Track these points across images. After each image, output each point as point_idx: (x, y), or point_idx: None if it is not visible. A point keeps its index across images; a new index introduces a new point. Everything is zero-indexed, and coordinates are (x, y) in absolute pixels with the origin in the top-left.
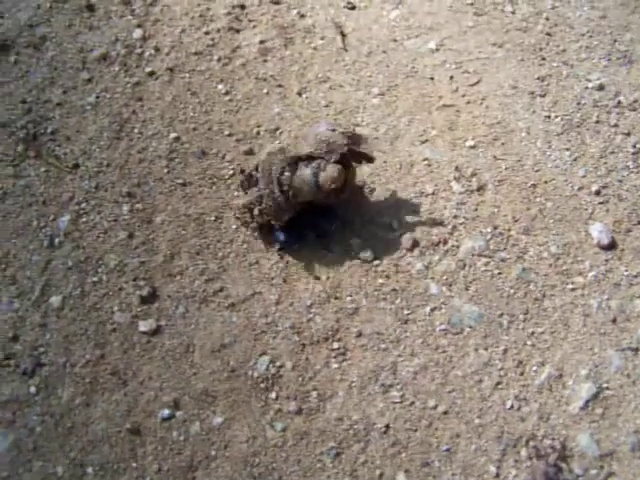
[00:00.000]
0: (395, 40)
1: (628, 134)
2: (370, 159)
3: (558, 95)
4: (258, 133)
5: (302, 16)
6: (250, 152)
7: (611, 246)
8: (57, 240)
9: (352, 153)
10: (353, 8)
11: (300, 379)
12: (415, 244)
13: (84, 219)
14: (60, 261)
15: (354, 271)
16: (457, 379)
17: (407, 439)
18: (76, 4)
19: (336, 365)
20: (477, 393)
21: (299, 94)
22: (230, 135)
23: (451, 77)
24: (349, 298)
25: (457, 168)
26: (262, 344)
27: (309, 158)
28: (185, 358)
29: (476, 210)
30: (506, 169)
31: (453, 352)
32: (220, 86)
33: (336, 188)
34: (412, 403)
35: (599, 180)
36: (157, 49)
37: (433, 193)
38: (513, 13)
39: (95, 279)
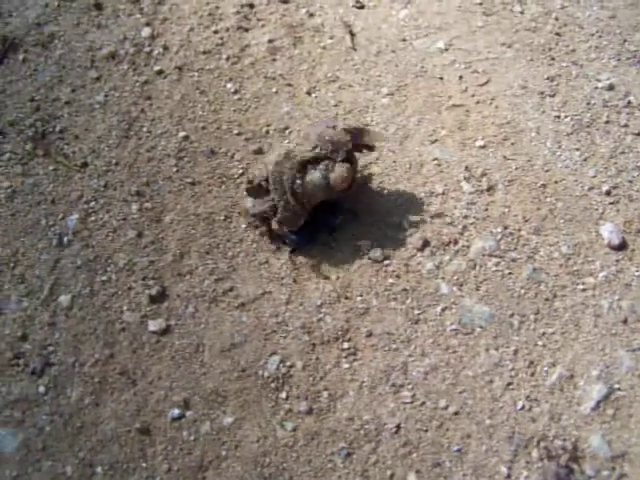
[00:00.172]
0: (404, 40)
1: (638, 134)
2: (371, 148)
3: (568, 95)
4: (267, 132)
5: (311, 15)
6: (259, 151)
7: (622, 246)
8: (66, 239)
9: (356, 147)
10: (362, 7)
11: (311, 379)
12: (425, 244)
13: (93, 218)
14: (69, 260)
15: (364, 271)
16: (468, 379)
17: (418, 439)
18: (84, 2)
19: (347, 365)
20: (488, 393)
21: (308, 93)
22: (239, 134)
23: (460, 77)
24: (359, 298)
25: (467, 168)
26: (272, 344)
27: (316, 160)
28: (195, 358)
29: (486, 210)
30: (516, 169)
31: (464, 352)
32: (229, 85)
33: (349, 186)
34: (423, 403)
35: (609, 180)
36: (166, 48)
37: (443, 193)
38: (522, 13)
39: (104, 278)
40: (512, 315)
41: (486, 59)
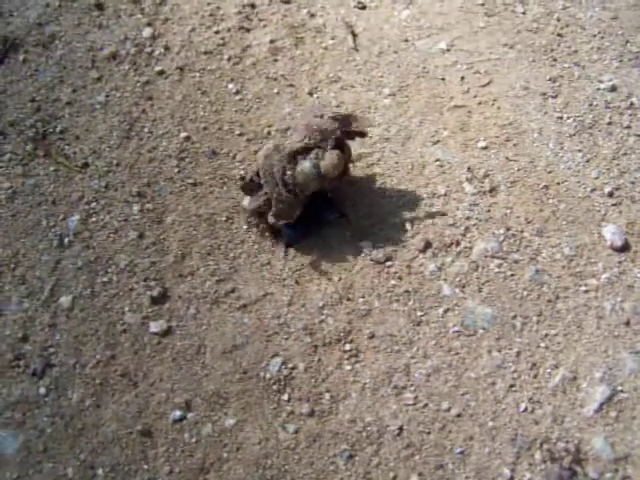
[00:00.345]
0: (406, 40)
1: None
2: (363, 134)
3: (570, 96)
4: (269, 133)
5: (312, 16)
6: None
7: (624, 248)
8: (67, 240)
9: (345, 134)
10: (364, 8)
11: (312, 381)
12: (427, 245)
13: (94, 219)
14: (70, 261)
15: (366, 272)
16: (470, 381)
17: (420, 441)
18: (85, 3)
19: (349, 367)
20: (491, 395)
21: (310, 94)
22: (241, 135)
23: (462, 78)
24: (361, 299)
25: (469, 169)
26: (274, 345)
27: (305, 150)
28: (196, 359)
29: (489, 211)
30: (518, 170)
31: (466, 354)
32: (231, 85)
33: (341, 174)
34: (425, 405)
35: (612, 182)
36: (167, 48)
37: (445, 194)
38: (524, 14)
39: (105, 279)
40: (515, 317)
41: (488, 60)
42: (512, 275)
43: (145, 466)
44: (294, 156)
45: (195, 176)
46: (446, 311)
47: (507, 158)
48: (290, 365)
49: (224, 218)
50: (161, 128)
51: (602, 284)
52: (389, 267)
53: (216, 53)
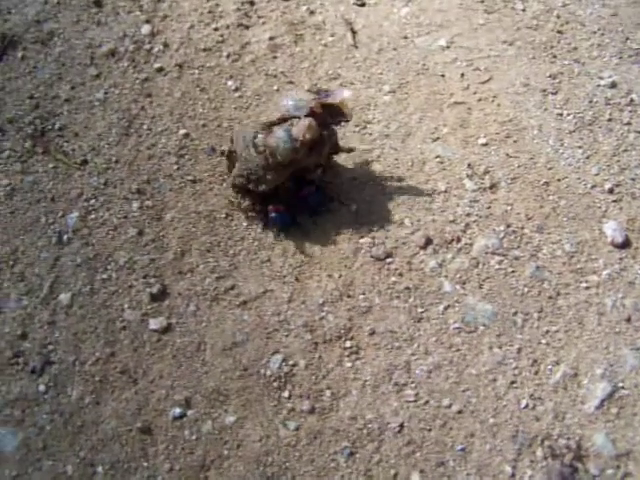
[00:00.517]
0: (406, 37)
1: None
2: (345, 115)
3: (570, 93)
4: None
5: (312, 12)
6: None
7: (625, 244)
8: (66, 237)
9: (324, 108)
10: (363, 5)
11: (313, 378)
12: (428, 242)
13: (93, 216)
14: (69, 258)
15: (367, 269)
16: (471, 378)
17: (421, 438)
18: (83, 0)
19: (349, 364)
20: (492, 392)
21: (310, 91)
22: None
23: (462, 74)
24: (362, 296)
25: (469, 166)
26: (274, 342)
27: (282, 121)
28: (196, 356)
29: (489, 208)
30: (519, 167)
31: (467, 351)
32: (230, 82)
33: (313, 140)
34: (426, 402)
35: (612, 178)
36: (166, 45)
37: (445, 191)
38: (524, 11)
39: (105, 276)
40: (515, 313)
41: (488, 57)
42: (513, 272)
43: (145, 463)
44: (269, 126)
45: (194, 173)
46: (447, 308)
47: (507, 155)
48: (290, 362)
49: (224, 215)
50: (160, 125)
51: (603, 280)
52: (389, 264)
53: (215, 50)
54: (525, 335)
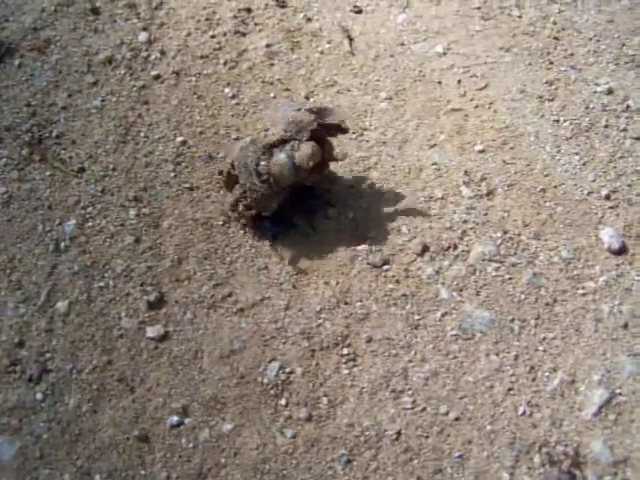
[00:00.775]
0: (402, 44)
1: (637, 138)
2: (343, 130)
3: (566, 99)
4: (265, 137)
5: (309, 20)
6: None
7: (622, 251)
8: (63, 245)
9: (323, 127)
10: (360, 12)
11: (310, 385)
12: (425, 249)
13: (90, 223)
14: (66, 266)
15: (364, 276)
16: (468, 385)
17: (419, 446)
18: (81, 7)
19: (346, 371)
20: (489, 399)
21: (306, 98)
22: (237, 139)
23: (459, 81)
24: (359, 303)
25: (466, 172)
26: (272, 350)
27: (281, 143)
28: (193, 364)
29: (486, 215)
30: (515, 173)
31: (464, 358)
32: (227, 90)
33: (315, 165)
34: (423, 409)
35: (609, 184)
36: (163, 52)
37: (442, 198)
38: (520, 17)
39: (102, 284)
40: (512, 320)
41: (484, 63)
42: (510, 278)
43: (142, 472)
44: (270, 148)
45: (191, 180)
46: (444, 315)
47: (504, 161)
48: (288, 370)
49: (221, 222)
50: (157, 132)
51: (600, 287)
52: (386, 271)
53: (212, 57)
54: (522, 342)
